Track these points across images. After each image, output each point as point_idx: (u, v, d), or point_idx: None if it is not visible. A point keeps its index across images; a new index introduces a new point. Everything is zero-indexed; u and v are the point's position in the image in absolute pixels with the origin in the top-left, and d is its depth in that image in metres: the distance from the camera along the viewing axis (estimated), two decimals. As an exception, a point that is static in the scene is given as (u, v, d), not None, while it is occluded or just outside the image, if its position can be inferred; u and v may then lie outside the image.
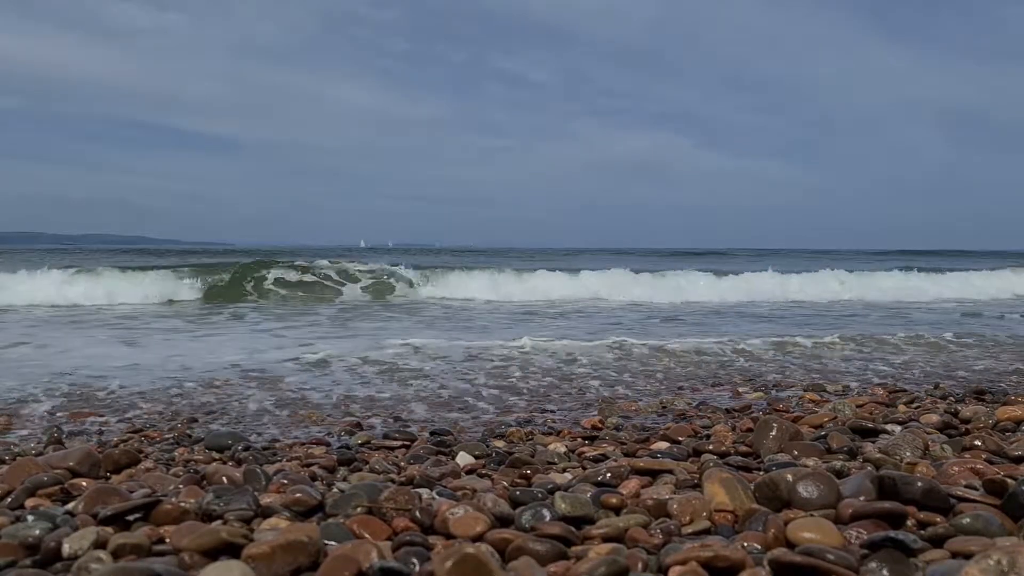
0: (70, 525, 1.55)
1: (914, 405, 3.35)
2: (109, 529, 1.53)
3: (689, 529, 1.58)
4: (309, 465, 2.34)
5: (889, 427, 2.64)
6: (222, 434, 2.89)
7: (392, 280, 13.06)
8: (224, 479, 1.98)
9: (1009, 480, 1.63)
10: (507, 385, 4.34)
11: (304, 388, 4.22)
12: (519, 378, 4.56)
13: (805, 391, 4.20)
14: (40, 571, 1.39)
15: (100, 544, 1.42)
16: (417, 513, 1.60)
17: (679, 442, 2.61)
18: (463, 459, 2.40)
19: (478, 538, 1.50)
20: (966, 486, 1.71)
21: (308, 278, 12.69)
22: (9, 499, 1.88)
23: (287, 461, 2.45)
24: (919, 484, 1.59)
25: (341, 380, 4.48)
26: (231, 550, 1.37)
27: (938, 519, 1.52)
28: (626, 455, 2.41)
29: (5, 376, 4.41)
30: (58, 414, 3.52)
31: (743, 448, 2.38)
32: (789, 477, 1.69)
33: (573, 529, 1.54)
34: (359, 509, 1.64)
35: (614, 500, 1.73)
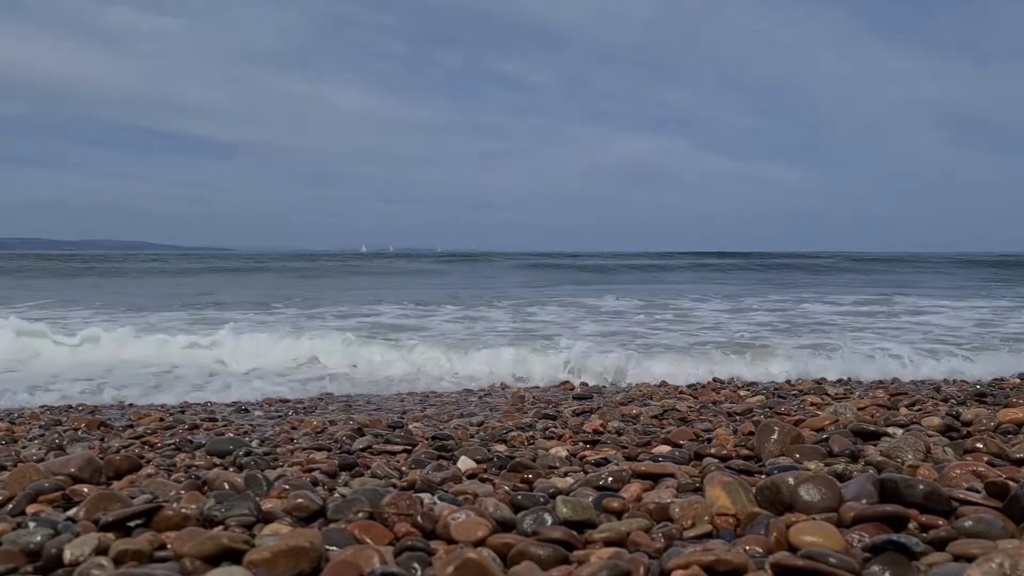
0: (71, 531, 1.55)
1: (915, 407, 3.35)
2: (110, 535, 1.52)
3: (691, 533, 1.58)
4: (310, 470, 2.34)
5: (891, 430, 2.63)
6: (223, 439, 2.89)
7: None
8: (225, 484, 1.98)
9: (1011, 482, 1.63)
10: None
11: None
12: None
13: (806, 394, 4.21)
14: (42, 577, 1.39)
15: (101, 550, 1.42)
16: (419, 518, 1.60)
17: (680, 446, 2.61)
18: (464, 464, 2.40)
19: (480, 543, 1.50)
20: (968, 489, 1.71)
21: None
22: (10, 505, 1.88)
23: (288, 466, 2.45)
24: (921, 487, 1.58)
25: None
26: (232, 556, 1.37)
27: (940, 522, 1.52)
28: (628, 459, 2.41)
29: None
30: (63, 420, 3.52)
31: (745, 451, 2.38)
32: (791, 480, 1.69)
33: (575, 533, 1.54)
34: (360, 514, 1.64)
35: (616, 504, 1.73)
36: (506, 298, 12.12)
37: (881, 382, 5.33)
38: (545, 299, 11.89)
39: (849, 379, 5.48)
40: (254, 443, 3.01)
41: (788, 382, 5.34)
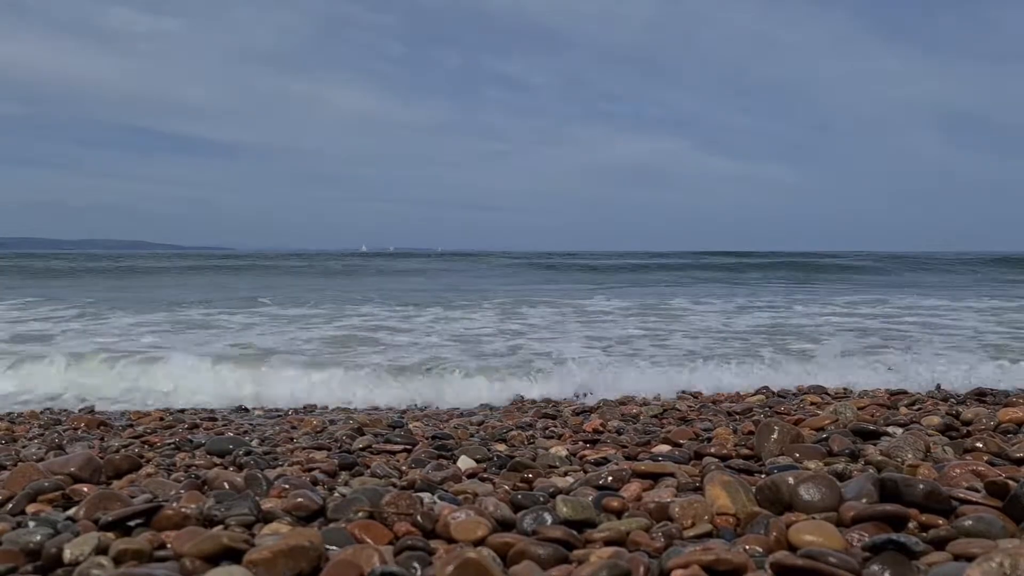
0: (71, 531, 1.55)
1: (915, 407, 3.35)
2: (110, 535, 1.53)
3: (691, 532, 1.58)
4: (310, 470, 2.34)
5: (890, 429, 2.64)
6: (223, 439, 2.89)
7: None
8: (225, 484, 1.98)
9: (1011, 482, 1.63)
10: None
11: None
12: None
13: (806, 394, 4.21)
14: (41, 577, 1.39)
15: (101, 550, 1.42)
16: (419, 517, 1.60)
17: (680, 445, 2.61)
18: (464, 463, 2.40)
19: (480, 542, 1.50)
20: (968, 488, 1.71)
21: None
22: (10, 505, 1.88)
23: (288, 466, 2.45)
24: (921, 486, 1.59)
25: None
26: (232, 555, 1.37)
27: (940, 521, 1.52)
28: (627, 458, 2.41)
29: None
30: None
31: (745, 451, 2.38)
32: (791, 480, 1.69)
33: (575, 533, 1.54)
34: (360, 514, 1.64)
35: (616, 504, 1.73)
36: (496, 298, 11.88)
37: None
38: (536, 300, 11.63)
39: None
40: (254, 442, 3.01)
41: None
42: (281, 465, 2.47)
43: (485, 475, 2.26)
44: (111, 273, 22.19)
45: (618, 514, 1.71)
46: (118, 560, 1.39)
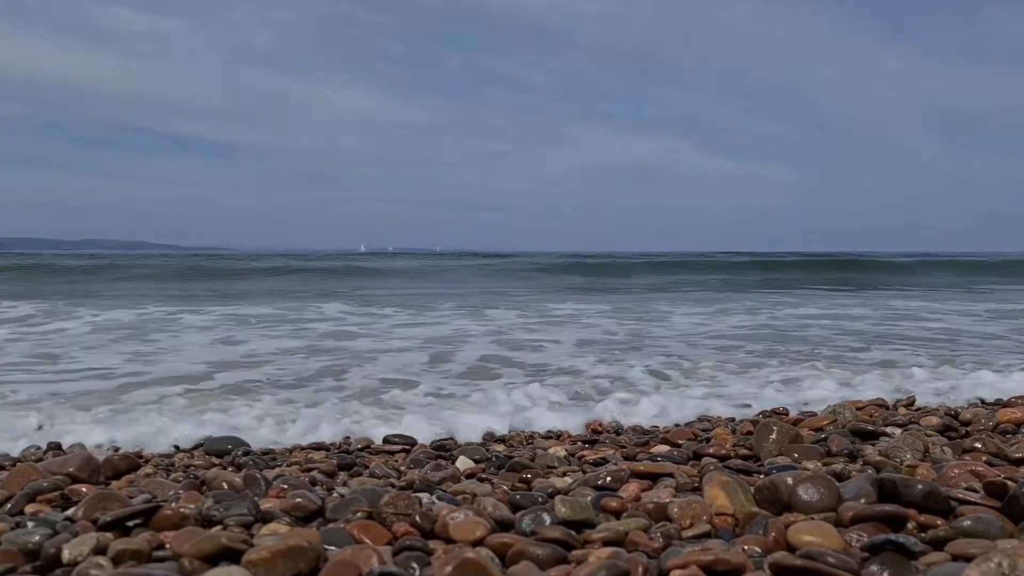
0: (70, 531, 1.55)
1: (914, 407, 3.35)
2: (109, 535, 1.52)
3: (689, 533, 1.58)
4: (309, 470, 2.34)
5: (889, 429, 2.64)
6: (221, 439, 2.89)
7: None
8: (224, 484, 1.98)
9: (1009, 482, 1.63)
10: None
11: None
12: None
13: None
14: (40, 577, 1.39)
15: (100, 550, 1.42)
16: (417, 518, 1.60)
17: (679, 445, 2.61)
18: (463, 463, 2.40)
19: (478, 542, 1.50)
20: (966, 488, 1.71)
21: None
22: (9, 505, 1.88)
23: (287, 466, 2.44)
24: (919, 487, 1.59)
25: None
26: (231, 555, 1.37)
27: (939, 522, 1.52)
28: (626, 459, 2.41)
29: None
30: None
31: (743, 451, 2.38)
32: (789, 480, 1.69)
33: (573, 533, 1.54)
34: (359, 514, 1.64)
35: (614, 504, 1.73)
36: (498, 302, 11.53)
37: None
38: (541, 304, 11.30)
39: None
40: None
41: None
42: (280, 465, 2.47)
43: (484, 475, 2.26)
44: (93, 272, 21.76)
45: (617, 514, 1.71)
46: (117, 560, 1.39)
